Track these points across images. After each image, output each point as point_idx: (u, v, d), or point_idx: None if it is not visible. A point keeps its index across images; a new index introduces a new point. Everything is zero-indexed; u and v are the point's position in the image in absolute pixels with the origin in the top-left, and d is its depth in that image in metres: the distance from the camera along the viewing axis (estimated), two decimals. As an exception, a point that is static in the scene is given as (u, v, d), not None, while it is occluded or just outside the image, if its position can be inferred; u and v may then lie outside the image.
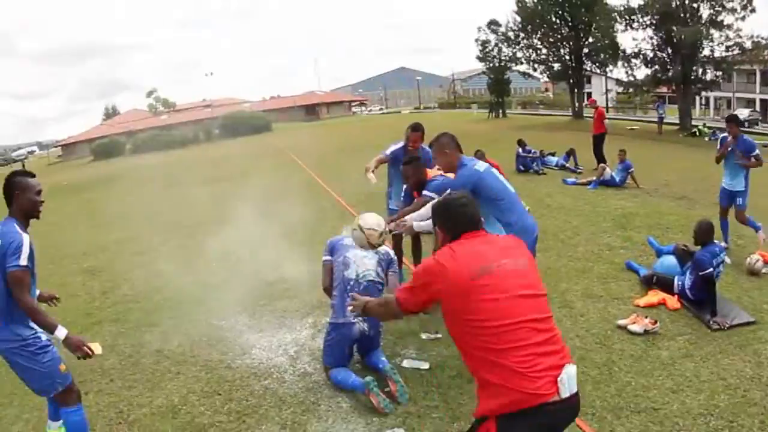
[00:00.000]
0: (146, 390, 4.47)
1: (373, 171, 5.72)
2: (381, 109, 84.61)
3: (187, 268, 7.63)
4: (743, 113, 40.06)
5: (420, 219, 4.34)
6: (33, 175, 3.41)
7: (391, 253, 4.51)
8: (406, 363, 4.48)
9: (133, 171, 28.10)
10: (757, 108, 44.91)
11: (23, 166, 54.32)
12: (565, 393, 2.08)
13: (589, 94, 48.25)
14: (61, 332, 3.15)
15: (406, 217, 4.36)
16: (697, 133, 26.45)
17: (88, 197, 19.57)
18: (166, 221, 11.66)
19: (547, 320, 2.24)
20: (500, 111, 45.21)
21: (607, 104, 40.08)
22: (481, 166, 4.09)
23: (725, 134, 7.09)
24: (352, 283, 4.15)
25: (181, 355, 5.03)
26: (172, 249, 9.05)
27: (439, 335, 4.81)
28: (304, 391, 4.15)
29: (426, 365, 4.41)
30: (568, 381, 2.10)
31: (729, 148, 6.84)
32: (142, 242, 10.02)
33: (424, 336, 4.88)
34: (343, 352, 4.19)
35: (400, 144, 5.90)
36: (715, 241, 5.39)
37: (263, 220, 10.44)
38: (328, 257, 4.47)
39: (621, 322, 4.84)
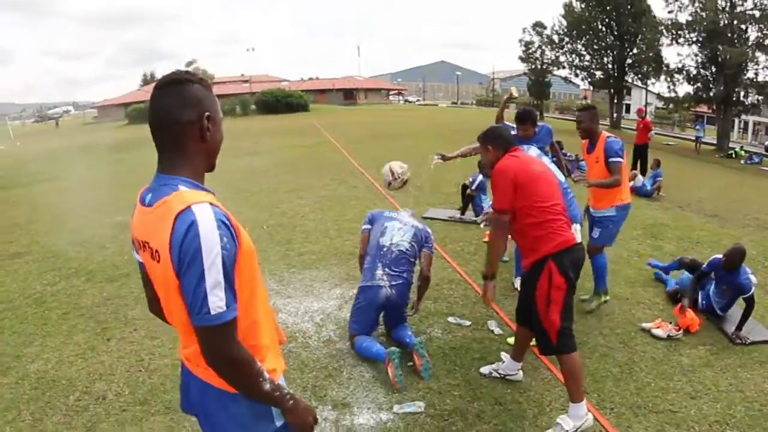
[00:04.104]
0: (169, 341, 4.55)
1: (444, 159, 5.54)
2: (418, 100, 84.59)
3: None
4: (781, 141, 39.18)
5: None
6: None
7: (429, 231, 4.55)
8: (451, 319, 4.93)
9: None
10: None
11: (57, 124, 55.60)
12: (578, 239, 3.46)
13: (629, 106, 47.63)
14: None
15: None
16: (734, 155, 26.02)
17: (122, 157, 19.89)
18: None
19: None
20: (538, 113, 44.83)
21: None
22: (534, 152, 4.31)
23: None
24: (384, 249, 4.27)
25: (209, 311, 5.10)
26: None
27: (468, 322, 4.88)
28: (327, 357, 4.22)
29: (468, 323, 4.88)
30: (578, 232, 3.52)
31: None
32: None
33: (451, 319, 4.93)
34: (370, 317, 4.27)
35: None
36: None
37: (296, 194, 10.58)
38: (368, 226, 4.57)
39: (645, 325, 4.84)
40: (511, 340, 4.47)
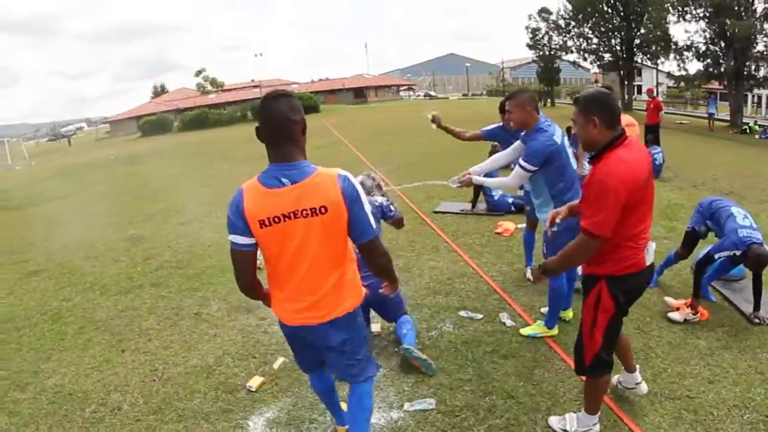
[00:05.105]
0: (182, 350, 4.62)
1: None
2: (428, 94, 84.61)
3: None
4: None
5: (482, 172, 4.48)
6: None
7: (383, 201, 4.33)
8: (462, 313, 4.88)
9: (179, 147, 28.79)
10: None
11: (69, 142, 56.32)
12: (648, 262, 2.83)
13: (640, 87, 47.22)
14: None
15: (470, 170, 4.42)
16: (748, 131, 25.65)
17: (135, 170, 20.12)
18: (211, 194, 11.92)
19: None
20: (549, 100, 44.74)
21: (658, 96, 39.08)
22: (558, 136, 4.03)
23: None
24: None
25: (219, 320, 5.16)
26: (217, 219, 9.21)
27: (479, 316, 4.83)
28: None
29: (479, 316, 4.83)
30: (651, 252, 2.84)
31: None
32: (186, 213, 10.28)
33: (462, 313, 4.89)
34: None
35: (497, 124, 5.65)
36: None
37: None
38: None
39: (670, 300, 4.75)
40: (523, 330, 4.44)
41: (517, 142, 4.37)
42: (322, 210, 2.30)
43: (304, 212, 2.30)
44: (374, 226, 2.41)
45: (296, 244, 2.36)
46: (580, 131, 2.73)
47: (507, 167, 4.73)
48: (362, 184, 4.49)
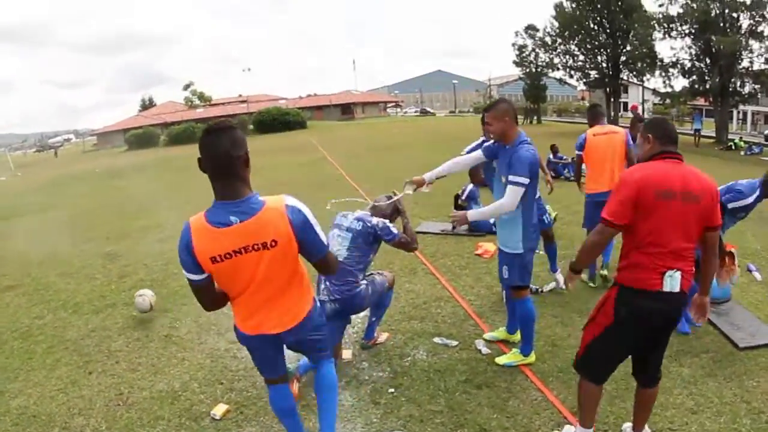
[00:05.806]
0: (149, 374, 4.48)
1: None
2: (418, 110, 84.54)
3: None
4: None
5: (436, 175, 4.30)
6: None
7: (377, 223, 4.13)
8: (437, 339, 4.74)
9: (165, 161, 28.60)
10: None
11: (56, 154, 56.06)
12: (665, 288, 2.75)
13: (626, 104, 47.62)
14: None
15: (424, 176, 4.23)
16: (733, 147, 25.89)
17: (118, 184, 19.96)
18: (194, 210, 11.71)
19: None
20: (535, 117, 44.98)
21: (643, 113, 39.48)
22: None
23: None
24: None
25: (188, 342, 5.03)
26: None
27: (454, 342, 4.68)
28: (307, 386, 4.01)
29: (454, 343, 4.69)
30: (674, 279, 2.76)
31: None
32: (165, 230, 10.11)
33: (437, 340, 4.74)
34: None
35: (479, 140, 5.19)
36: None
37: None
38: None
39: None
40: (499, 359, 4.28)
41: (477, 152, 4.19)
42: (273, 243, 2.40)
43: (255, 246, 2.39)
44: (325, 243, 2.58)
45: (248, 273, 2.46)
46: (640, 147, 3.09)
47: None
48: (377, 202, 4.40)
